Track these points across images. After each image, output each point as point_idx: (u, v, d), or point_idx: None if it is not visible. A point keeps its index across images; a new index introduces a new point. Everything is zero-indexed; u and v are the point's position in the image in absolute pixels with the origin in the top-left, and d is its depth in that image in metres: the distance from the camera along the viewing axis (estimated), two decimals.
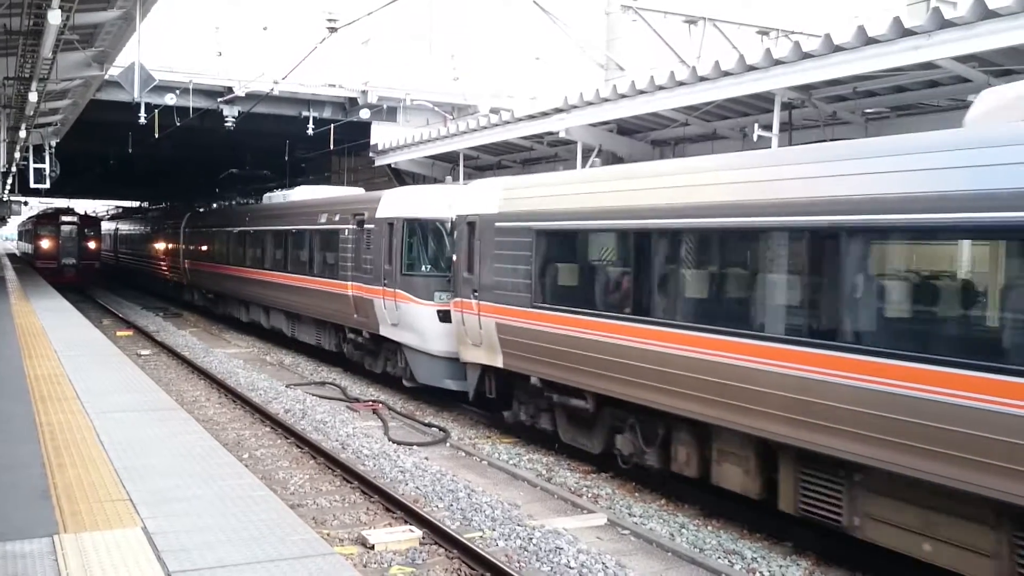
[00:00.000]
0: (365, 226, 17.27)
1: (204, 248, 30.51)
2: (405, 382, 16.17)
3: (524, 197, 12.38)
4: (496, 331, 12.62)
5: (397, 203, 16.43)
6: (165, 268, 36.88)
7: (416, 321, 15.44)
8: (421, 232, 15.96)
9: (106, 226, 55.09)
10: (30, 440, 8.65)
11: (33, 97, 15.95)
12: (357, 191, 22.62)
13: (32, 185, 26.16)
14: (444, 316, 14.85)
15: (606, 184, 10.93)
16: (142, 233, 43.22)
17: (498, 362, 12.74)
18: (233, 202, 32.76)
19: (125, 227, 49.68)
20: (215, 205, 34.07)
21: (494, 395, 13.36)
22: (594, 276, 11.28)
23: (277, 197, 25.13)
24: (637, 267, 10.28)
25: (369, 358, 17.99)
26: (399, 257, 15.93)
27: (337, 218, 18.89)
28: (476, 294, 13.10)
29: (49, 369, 12.90)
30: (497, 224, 12.71)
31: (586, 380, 11.00)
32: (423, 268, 15.83)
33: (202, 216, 33.23)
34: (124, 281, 48.44)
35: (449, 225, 15.15)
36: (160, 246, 37.85)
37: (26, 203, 56.28)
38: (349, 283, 17.88)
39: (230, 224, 27.70)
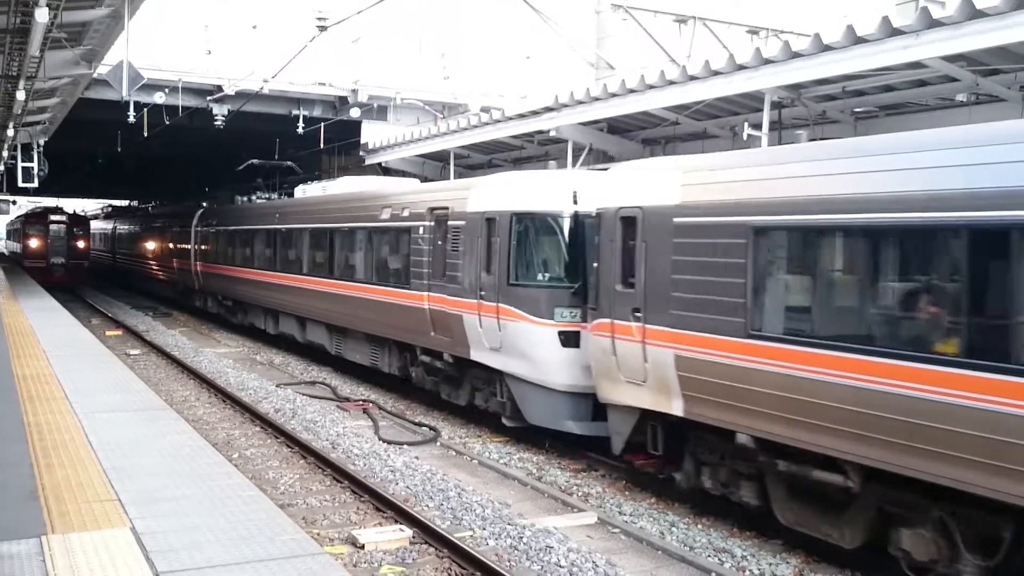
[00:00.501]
0: (449, 223, 13.88)
1: (221, 249, 27.22)
2: (506, 420, 13.03)
3: (731, 181, 8.93)
4: (674, 366, 9.29)
5: (499, 193, 13.02)
6: (172, 271, 33.57)
7: (529, 345, 12.16)
8: (535, 230, 12.51)
9: (102, 225, 54.47)
10: (18, 440, 8.62)
11: (21, 95, 15.87)
12: (410, 181, 19.95)
13: (20, 184, 26.00)
14: (567, 339, 11.87)
15: (921, 158, 7.23)
16: (144, 232, 40.00)
17: (673, 408, 9.46)
18: (254, 197, 29.15)
19: (124, 226, 46.98)
20: (241, 200, 29.84)
21: (660, 451, 10.11)
22: (886, 296, 7.68)
23: (313, 190, 21.96)
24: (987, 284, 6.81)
25: (448, 387, 14.65)
26: (505, 263, 12.49)
27: (406, 213, 15.41)
28: (638, 315, 9.82)
29: (37, 369, 12.85)
30: (678, 220, 9.35)
31: (852, 447, 7.58)
32: (539, 277, 12.39)
33: (218, 213, 29.38)
34: (124, 284, 46.06)
35: (569, 220, 12.27)
36: (166, 247, 34.48)
37: (14, 202, 56.06)
38: (425, 294, 14.46)
39: (255, 222, 24.37)
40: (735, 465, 9.24)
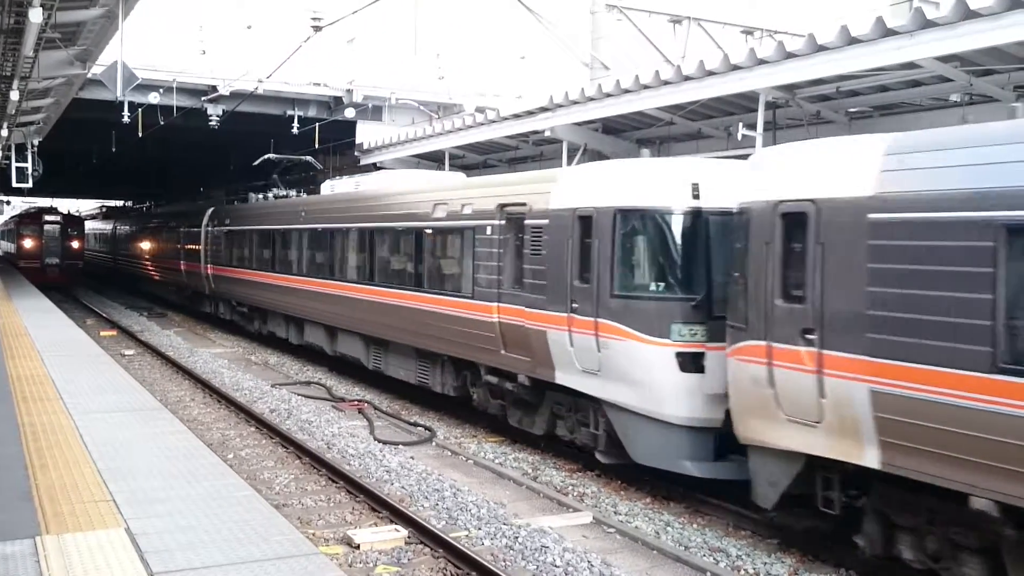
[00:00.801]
0: (527, 222, 11.88)
1: (236, 250, 25.13)
2: (600, 456, 11.05)
3: (967, 164, 6.81)
4: (870, 405, 7.32)
5: (596, 185, 10.95)
6: (179, 274, 31.42)
7: (637, 369, 10.15)
8: (646, 230, 10.39)
9: (101, 225, 54.11)
10: (12, 441, 8.61)
11: (15, 96, 15.85)
12: (457, 175, 17.90)
13: (14, 184, 25.97)
14: (687, 362, 9.86)
15: None
16: (149, 233, 37.92)
17: (866, 458, 7.48)
18: (270, 194, 25.88)
19: (126, 226, 44.61)
20: (257, 197, 26.69)
21: (838, 511, 8.11)
22: None
23: (344, 186, 19.58)
24: None
25: (519, 412, 12.61)
26: (606, 270, 10.43)
27: (468, 211, 13.33)
28: (811, 337, 7.83)
29: (31, 369, 12.83)
30: (876, 216, 7.33)
31: None
32: (651, 287, 10.30)
33: (231, 212, 26.99)
34: (126, 288, 44.15)
35: (690, 217, 10.12)
36: (173, 248, 32.24)
37: (8, 202, 56.04)
38: (494, 305, 12.44)
39: (276, 221, 22.19)
40: (954, 534, 7.22)
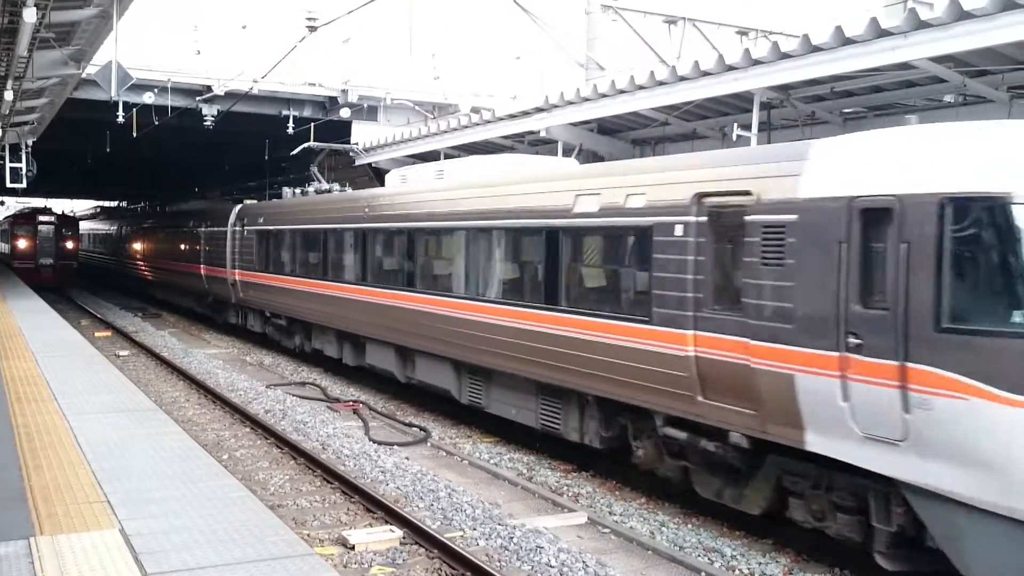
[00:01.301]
0: (751, 219, 8.46)
1: (272, 254, 21.88)
2: (883, 559, 7.78)
3: None
4: None
5: (895, 161, 7.49)
6: (199, 280, 28.15)
7: (989, 443, 6.79)
8: (1001, 230, 6.92)
9: (103, 226, 53.92)
10: (6, 442, 8.59)
11: (9, 96, 15.83)
12: (569, 160, 15.08)
13: (8, 184, 25.95)
14: None
15: None
16: (161, 234, 34.71)
17: None
18: (310, 189, 22.92)
19: (132, 227, 41.93)
20: (294, 192, 23.49)
21: None
22: None
23: (420, 176, 16.12)
24: None
25: (718, 481, 9.48)
26: (927, 290, 7.04)
27: (638, 204, 9.94)
28: None
29: (25, 370, 12.81)
30: None
31: None
32: (1015, 319, 6.85)
33: (266, 210, 23.47)
34: (133, 293, 41.17)
35: None
36: (192, 250, 28.88)
37: (2, 203, 56.00)
38: (689, 332, 9.12)
39: (328, 219, 18.62)
40: None
